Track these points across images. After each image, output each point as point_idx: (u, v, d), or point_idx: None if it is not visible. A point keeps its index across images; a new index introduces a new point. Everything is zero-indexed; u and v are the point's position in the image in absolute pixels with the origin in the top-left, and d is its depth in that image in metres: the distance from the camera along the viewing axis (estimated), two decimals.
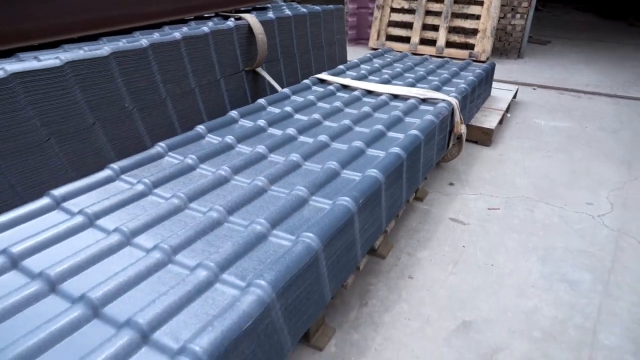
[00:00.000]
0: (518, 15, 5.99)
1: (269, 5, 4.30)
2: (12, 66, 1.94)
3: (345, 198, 1.59)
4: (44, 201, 1.61)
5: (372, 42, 6.42)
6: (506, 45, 6.23)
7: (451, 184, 2.85)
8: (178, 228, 1.50)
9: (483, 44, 5.71)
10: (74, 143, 2.18)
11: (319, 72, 3.55)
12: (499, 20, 6.01)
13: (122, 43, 2.55)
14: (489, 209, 2.57)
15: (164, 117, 2.72)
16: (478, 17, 5.81)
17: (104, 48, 2.32)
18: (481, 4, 5.80)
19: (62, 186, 1.68)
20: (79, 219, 1.51)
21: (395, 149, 2.00)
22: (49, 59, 2.08)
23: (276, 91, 3.44)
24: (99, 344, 1.04)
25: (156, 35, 2.85)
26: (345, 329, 1.76)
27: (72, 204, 1.61)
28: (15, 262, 1.31)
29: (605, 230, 2.39)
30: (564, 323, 1.80)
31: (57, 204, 1.62)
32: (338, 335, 1.73)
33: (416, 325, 1.78)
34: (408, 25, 6.30)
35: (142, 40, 2.52)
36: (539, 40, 7.19)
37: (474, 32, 5.92)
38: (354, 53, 6.01)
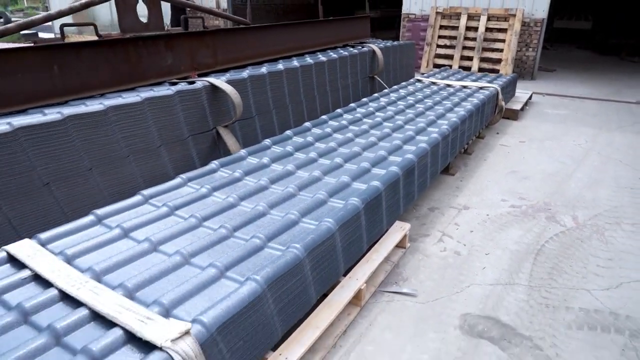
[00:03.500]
0: (530, 49, 8.59)
1: (367, 40, 6.90)
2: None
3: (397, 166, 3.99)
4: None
5: (423, 68, 9.03)
6: (522, 71, 8.79)
7: (497, 133, 5.28)
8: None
9: (506, 69, 8.26)
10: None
11: (402, 82, 6.03)
12: (516, 52, 8.59)
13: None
14: (519, 141, 4.97)
15: (327, 102, 5.21)
16: (501, 50, 8.40)
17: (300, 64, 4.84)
18: (503, 41, 8.41)
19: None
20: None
21: (476, 102, 4.43)
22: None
23: (385, 88, 5.94)
24: None
25: (332, 54, 5.37)
26: (460, 171, 4.13)
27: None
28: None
29: (580, 148, 4.76)
30: (558, 172, 4.15)
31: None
32: (458, 172, 4.09)
33: (491, 171, 4.15)
34: (449, 57, 8.93)
35: (322, 56, 5.06)
36: (547, 68, 9.75)
37: (498, 60, 8.50)
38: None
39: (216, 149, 3.65)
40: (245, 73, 3.91)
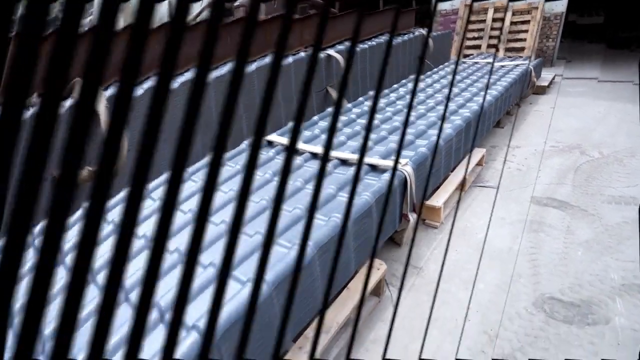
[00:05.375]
0: (550, 40, 9.77)
1: (413, 30, 8.09)
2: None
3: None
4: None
5: (453, 56, 10.21)
6: (543, 59, 9.94)
7: (530, 103, 6.48)
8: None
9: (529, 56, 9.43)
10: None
11: (439, 65, 7.25)
12: (538, 43, 9.76)
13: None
14: (550, 108, 6.17)
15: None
16: (524, 40, 9.58)
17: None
18: (526, 32, 9.58)
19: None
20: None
21: (516, 74, 5.61)
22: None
23: (431, 69, 7.13)
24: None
25: (397, 38, 6.58)
26: (507, 126, 5.32)
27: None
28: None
29: (600, 114, 5.96)
30: (584, 127, 5.34)
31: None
32: (506, 126, 5.28)
33: (531, 126, 5.35)
34: (477, 47, 10.11)
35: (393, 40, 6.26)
36: (564, 58, 10.91)
37: (522, 49, 9.66)
38: None
39: (325, 102, 4.85)
40: (342, 47, 5.11)
